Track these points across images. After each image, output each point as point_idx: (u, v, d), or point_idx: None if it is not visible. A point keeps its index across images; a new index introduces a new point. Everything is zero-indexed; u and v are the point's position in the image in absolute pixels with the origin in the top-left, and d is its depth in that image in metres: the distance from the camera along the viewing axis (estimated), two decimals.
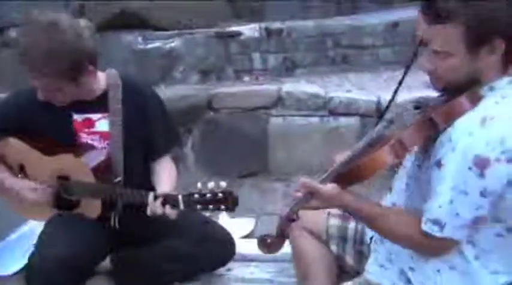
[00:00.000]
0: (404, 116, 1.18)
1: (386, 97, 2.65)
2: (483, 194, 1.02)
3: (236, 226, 2.16)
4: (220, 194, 1.41)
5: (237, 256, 1.87)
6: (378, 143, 1.13)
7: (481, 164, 1.00)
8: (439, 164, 1.05)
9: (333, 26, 3.61)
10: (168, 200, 1.46)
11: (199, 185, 1.44)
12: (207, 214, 1.67)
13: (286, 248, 1.34)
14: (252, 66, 3.59)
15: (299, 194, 1.14)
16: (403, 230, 1.12)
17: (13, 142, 1.66)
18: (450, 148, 1.03)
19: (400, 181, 1.25)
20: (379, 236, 1.24)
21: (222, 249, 1.77)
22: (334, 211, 1.41)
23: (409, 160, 1.21)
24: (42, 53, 1.45)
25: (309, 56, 3.72)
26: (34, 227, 1.78)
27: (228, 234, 1.80)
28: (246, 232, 2.21)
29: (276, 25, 3.70)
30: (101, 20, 3.44)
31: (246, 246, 2.04)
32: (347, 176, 1.09)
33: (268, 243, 1.20)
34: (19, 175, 1.68)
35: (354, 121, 2.80)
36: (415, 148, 1.16)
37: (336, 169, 1.13)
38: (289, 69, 3.69)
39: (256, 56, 3.59)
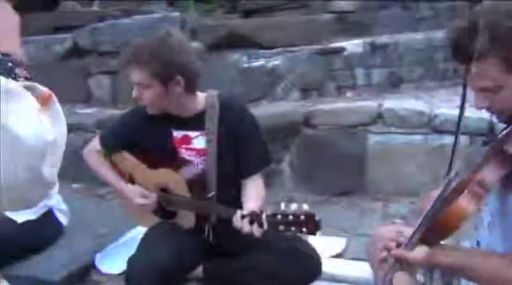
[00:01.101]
0: (474, 156, 1.10)
1: None
2: None
3: (326, 244, 2.13)
4: (302, 217, 1.42)
5: (325, 275, 1.86)
6: (455, 193, 1.05)
7: None
8: None
9: (443, 38, 3.41)
10: (253, 218, 1.50)
11: (282, 206, 1.46)
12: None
13: None
14: (355, 82, 3.55)
15: (385, 263, 1.11)
16: (505, 275, 1.03)
17: (125, 155, 1.87)
18: None
19: (482, 219, 1.16)
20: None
21: (309, 267, 1.77)
22: None
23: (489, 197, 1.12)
24: (148, 51, 1.62)
25: (417, 70, 3.56)
26: (141, 232, 1.97)
27: (316, 252, 1.80)
28: (336, 251, 2.17)
29: (382, 39, 3.61)
30: (211, 41, 3.71)
31: (335, 266, 2.02)
32: (431, 234, 1.05)
33: None
34: (129, 184, 1.88)
35: (461, 140, 2.59)
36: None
37: (419, 229, 1.08)
38: (394, 84, 3.57)
39: (359, 72, 3.54)
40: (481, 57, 1.00)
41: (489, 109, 1.08)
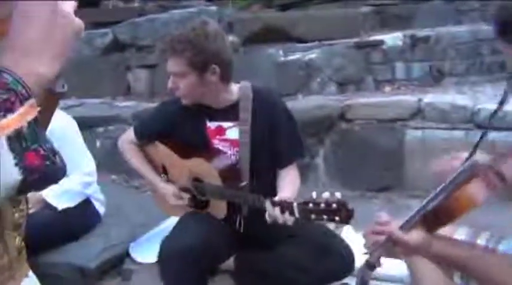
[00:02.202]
0: (501, 145, 1.02)
1: None
2: None
3: (360, 240, 2.08)
4: (334, 205, 1.40)
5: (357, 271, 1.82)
6: (468, 177, 0.97)
7: None
8: None
9: (489, 31, 3.25)
10: (284, 207, 1.49)
11: (314, 194, 1.44)
12: (331, 225, 1.66)
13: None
14: (394, 75, 3.45)
15: (379, 238, 1.03)
16: (505, 274, 0.96)
17: (159, 145, 1.89)
18: None
19: None
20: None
21: (341, 263, 1.74)
22: (461, 233, 1.28)
23: None
24: (183, 40, 1.61)
25: (460, 64, 3.42)
26: (173, 222, 1.99)
27: (349, 248, 1.76)
28: None
29: (424, 32, 3.50)
30: (247, 35, 3.70)
31: None
32: (433, 218, 0.97)
33: None
34: (162, 175, 1.91)
35: (505, 136, 2.47)
36: None
37: (420, 210, 1.00)
38: (436, 78, 3.45)
39: (399, 65, 3.44)
40: None
41: None
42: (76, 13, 0.59)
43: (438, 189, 1.03)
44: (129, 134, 1.94)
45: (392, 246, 1.01)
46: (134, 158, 1.92)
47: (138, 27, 3.83)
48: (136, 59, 3.82)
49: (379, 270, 1.90)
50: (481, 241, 1.29)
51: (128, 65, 3.85)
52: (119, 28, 3.89)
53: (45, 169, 0.50)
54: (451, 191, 0.98)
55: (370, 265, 1.07)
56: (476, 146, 1.10)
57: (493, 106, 2.59)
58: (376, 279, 1.85)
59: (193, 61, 1.62)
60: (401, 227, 1.00)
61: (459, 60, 3.36)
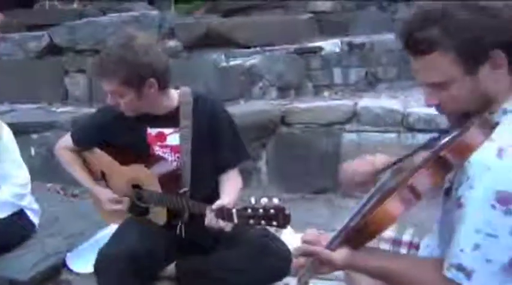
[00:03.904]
0: (414, 158, 1.04)
1: None
2: None
3: (299, 241, 2.15)
4: (272, 211, 1.43)
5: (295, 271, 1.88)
6: (387, 194, 0.98)
7: (505, 201, 0.89)
8: (459, 204, 0.94)
9: None
10: (223, 213, 1.51)
11: (252, 200, 1.47)
12: (271, 228, 1.70)
13: None
14: (332, 81, 3.58)
15: (304, 261, 1.02)
16: (423, 277, 0.99)
17: (97, 151, 1.86)
18: (468, 186, 0.92)
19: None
20: None
21: (280, 263, 1.78)
22: (386, 234, 1.35)
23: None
24: (113, 60, 1.59)
25: (392, 70, 3.61)
26: (112, 231, 1.96)
27: (287, 249, 1.81)
28: None
29: (359, 39, 3.66)
30: (189, 40, 3.70)
31: None
32: (356, 236, 0.97)
33: None
34: (100, 181, 1.88)
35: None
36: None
37: (344, 229, 1.02)
38: (371, 83, 3.62)
39: (337, 71, 3.58)
40: (431, 48, 0.94)
41: (438, 108, 1.01)
42: (9, 14, 0.58)
43: (360, 204, 1.06)
44: (67, 140, 1.89)
45: (320, 265, 1.01)
46: (71, 165, 1.88)
47: (76, 30, 3.72)
48: (74, 63, 3.71)
49: None
50: (406, 237, 1.37)
51: (65, 70, 3.73)
52: (55, 31, 3.76)
53: None
54: (371, 208, 1.00)
55: None
56: (400, 159, 1.13)
57: (421, 109, 2.79)
58: (317, 277, 1.92)
59: (128, 80, 1.60)
60: (328, 246, 1.01)
61: (391, 66, 3.54)
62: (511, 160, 0.90)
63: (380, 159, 1.23)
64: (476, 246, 0.92)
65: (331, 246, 1.00)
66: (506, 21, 0.94)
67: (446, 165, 0.93)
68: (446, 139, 0.99)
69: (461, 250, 0.93)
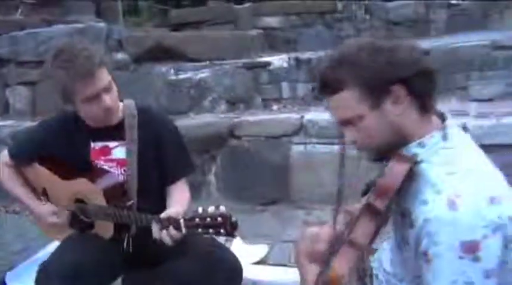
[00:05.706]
0: (355, 209, 1.07)
1: None
2: (487, 275, 0.94)
3: (248, 251, 2.18)
4: (219, 219, 1.44)
5: (246, 281, 1.89)
6: (335, 252, 1.00)
7: (470, 249, 0.93)
8: (426, 258, 0.97)
9: None
10: (171, 223, 1.50)
11: (199, 209, 1.48)
12: (221, 238, 1.71)
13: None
14: (280, 95, 3.67)
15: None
16: None
17: (38, 167, 1.80)
18: (432, 243, 0.95)
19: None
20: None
21: (230, 273, 1.79)
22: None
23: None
24: (52, 82, 1.56)
25: None
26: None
27: (236, 260, 1.82)
28: (257, 258, 2.23)
29: (306, 55, 3.78)
30: (137, 53, 3.68)
31: (256, 273, 2.07)
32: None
33: None
34: (41, 197, 1.82)
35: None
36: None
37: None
38: (317, 97, 3.73)
39: (285, 85, 3.67)
40: (340, 87, 1.02)
41: (357, 145, 1.06)
42: None
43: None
44: (4, 155, 1.82)
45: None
46: (9, 181, 1.80)
47: (18, 41, 3.60)
48: (16, 75, 3.58)
49: (263, 277, 2.02)
50: None
51: (6, 82, 3.59)
52: None
53: None
54: (325, 268, 1.02)
55: None
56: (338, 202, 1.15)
57: None
58: None
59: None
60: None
61: None
62: (464, 208, 0.94)
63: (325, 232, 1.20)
64: None
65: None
66: (402, 59, 1.02)
67: (376, 213, 0.97)
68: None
69: None
